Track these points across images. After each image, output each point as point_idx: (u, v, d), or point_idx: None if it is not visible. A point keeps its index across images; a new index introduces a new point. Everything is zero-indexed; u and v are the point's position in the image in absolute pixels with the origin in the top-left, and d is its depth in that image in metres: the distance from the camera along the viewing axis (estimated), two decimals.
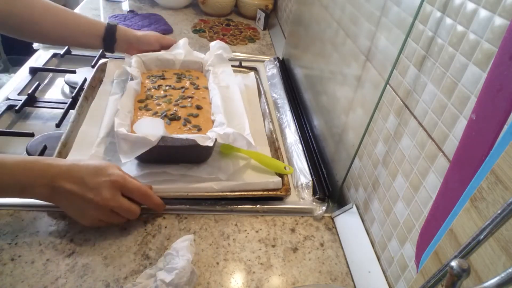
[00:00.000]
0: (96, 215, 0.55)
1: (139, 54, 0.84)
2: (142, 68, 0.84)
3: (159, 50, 0.88)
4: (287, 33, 1.23)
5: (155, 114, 0.71)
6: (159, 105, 0.73)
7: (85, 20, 0.81)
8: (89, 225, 0.56)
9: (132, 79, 0.77)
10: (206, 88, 0.82)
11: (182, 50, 0.88)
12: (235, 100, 0.76)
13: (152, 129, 0.60)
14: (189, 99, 0.76)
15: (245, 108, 0.75)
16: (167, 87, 0.79)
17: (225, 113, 0.70)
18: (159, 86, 0.79)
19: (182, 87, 0.80)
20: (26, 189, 0.52)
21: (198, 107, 0.74)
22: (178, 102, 0.75)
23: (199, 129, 0.68)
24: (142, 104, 0.73)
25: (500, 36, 0.36)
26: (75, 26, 0.79)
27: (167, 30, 1.26)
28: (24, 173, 0.51)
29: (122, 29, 0.84)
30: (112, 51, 0.85)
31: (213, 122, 0.70)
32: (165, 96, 0.76)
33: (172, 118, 0.70)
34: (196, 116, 0.72)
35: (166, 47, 0.90)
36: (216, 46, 0.89)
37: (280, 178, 0.68)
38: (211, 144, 0.61)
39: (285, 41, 1.22)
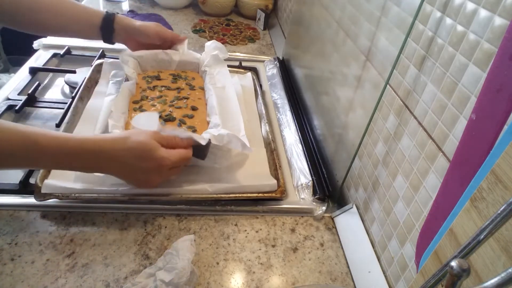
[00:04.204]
0: (146, 187, 0.60)
1: (134, 55, 0.82)
2: (137, 69, 0.83)
3: (159, 44, 0.84)
4: (287, 33, 1.24)
5: None
6: (154, 106, 0.73)
7: (84, 9, 0.77)
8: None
9: (127, 79, 0.77)
10: (202, 88, 0.81)
11: (179, 50, 0.87)
12: (231, 101, 0.75)
13: (147, 124, 0.60)
14: (185, 100, 0.75)
15: (241, 109, 0.74)
16: (162, 88, 0.78)
17: (220, 114, 0.69)
18: (154, 87, 0.78)
19: (178, 88, 0.79)
20: (78, 169, 0.57)
21: (194, 108, 0.74)
22: (173, 103, 0.74)
23: (194, 130, 0.68)
24: (137, 105, 0.72)
25: (500, 36, 0.36)
26: (73, 15, 0.76)
27: None
28: (68, 163, 0.54)
29: (121, 18, 0.79)
30: (111, 42, 0.81)
31: (208, 123, 0.70)
32: (160, 97, 0.76)
33: (167, 119, 0.69)
34: (191, 117, 0.71)
35: (168, 40, 0.85)
36: (212, 46, 0.88)
37: (275, 181, 0.67)
38: (203, 143, 0.60)
39: (285, 41, 1.22)
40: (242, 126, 0.68)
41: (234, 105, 0.74)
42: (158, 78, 0.82)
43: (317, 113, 0.86)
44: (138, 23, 0.82)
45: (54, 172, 0.62)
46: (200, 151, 0.63)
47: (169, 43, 0.87)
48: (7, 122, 0.50)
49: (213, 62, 0.85)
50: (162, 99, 0.75)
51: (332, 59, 0.80)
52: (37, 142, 0.50)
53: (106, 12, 0.78)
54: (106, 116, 0.71)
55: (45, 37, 1.07)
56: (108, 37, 0.79)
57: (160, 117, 0.69)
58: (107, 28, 0.78)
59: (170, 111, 0.72)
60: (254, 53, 1.21)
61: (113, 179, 0.62)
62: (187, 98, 0.77)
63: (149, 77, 0.81)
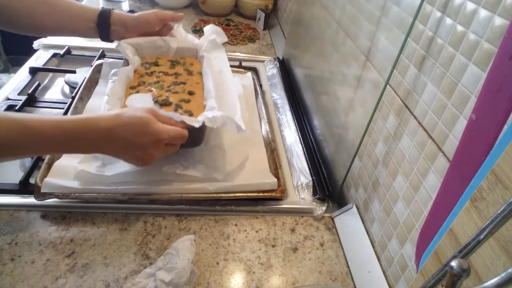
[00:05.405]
0: (145, 164, 0.58)
1: (132, 42, 0.80)
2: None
3: (159, 29, 0.83)
4: (287, 33, 1.23)
5: None
6: (151, 91, 0.72)
7: (80, 6, 0.76)
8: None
9: (127, 65, 0.76)
10: (201, 73, 0.80)
11: (176, 36, 0.86)
12: (228, 85, 0.74)
13: (141, 104, 0.59)
14: (182, 85, 0.75)
15: (241, 104, 0.73)
16: (160, 73, 0.78)
17: (216, 98, 0.68)
18: (152, 72, 0.78)
19: (175, 73, 0.79)
20: (76, 151, 0.58)
21: (191, 93, 0.73)
22: (170, 88, 0.73)
23: (191, 114, 0.67)
24: (134, 90, 0.72)
25: (500, 36, 0.36)
26: (69, 12, 0.74)
27: None
28: (66, 144, 0.53)
29: (117, 13, 0.77)
30: (108, 39, 0.78)
31: (205, 107, 0.69)
32: (158, 82, 0.75)
33: (163, 104, 0.68)
34: (188, 101, 0.71)
35: (168, 19, 0.84)
36: (210, 30, 0.87)
37: (275, 179, 0.67)
38: (197, 126, 0.60)
39: (285, 41, 1.22)
40: (238, 109, 0.66)
41: (230, 89, 0.73)
42: (156, 64, 0.81)
43: (317, 113, 0.86)
44: (135, 14, 0.80)
45: (53, 170, 0.62)
46: (195, 135, 0.62)
47: (170, 27, 0.86)
48: None
49: (210, 47, 0.84)
50: (159, 84, 0.74)
51: (332, 59, 0.80)
52: (32, 127, 0.49)
53: (102, 8, 0.77)
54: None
55: (45, 37, 1.07)
56: (104, 34, 0.77)
57: (156, 101, 0.69)
58: (103, 23, 0.76)
59: (166, 96, 0.71)
60: (254, 53, 1.21)
61: (113, 178, 0.62)
62: (185, 83, 0.76)
63: (147, 63, 0.81)
